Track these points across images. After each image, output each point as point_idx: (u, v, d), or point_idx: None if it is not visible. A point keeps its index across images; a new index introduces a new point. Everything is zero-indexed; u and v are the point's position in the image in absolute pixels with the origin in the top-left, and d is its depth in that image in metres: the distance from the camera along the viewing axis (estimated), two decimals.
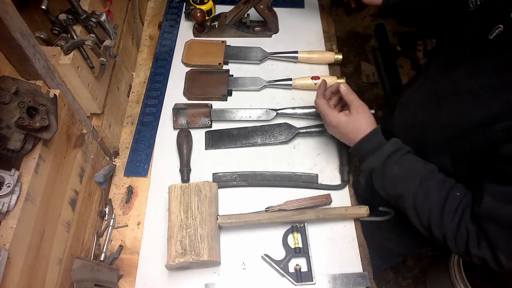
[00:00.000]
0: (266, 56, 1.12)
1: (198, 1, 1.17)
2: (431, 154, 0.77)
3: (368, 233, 0.89)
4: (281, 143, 0.98)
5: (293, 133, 0.98)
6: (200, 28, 1.17)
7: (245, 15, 1.15)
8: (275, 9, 1.17)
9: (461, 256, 0.72)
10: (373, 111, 1.01)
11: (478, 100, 0.66)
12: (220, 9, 1.23)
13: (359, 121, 0.80)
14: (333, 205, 0.89)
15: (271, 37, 1.20)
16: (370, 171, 0.80)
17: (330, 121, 0.83)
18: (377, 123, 0.82)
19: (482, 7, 0.71)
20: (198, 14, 1.09)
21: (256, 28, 1.19)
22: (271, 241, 0.85)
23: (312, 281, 0.79)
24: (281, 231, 0.85)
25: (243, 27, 1.18)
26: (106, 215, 0.87)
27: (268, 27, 1.18)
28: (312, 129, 0.98)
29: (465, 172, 0.73)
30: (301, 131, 0.98)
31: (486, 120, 0.63)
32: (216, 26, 1.17)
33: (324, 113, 0.84)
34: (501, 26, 0.63)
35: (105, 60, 0.77)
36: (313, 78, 1.06)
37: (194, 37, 1.18)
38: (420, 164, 0.76)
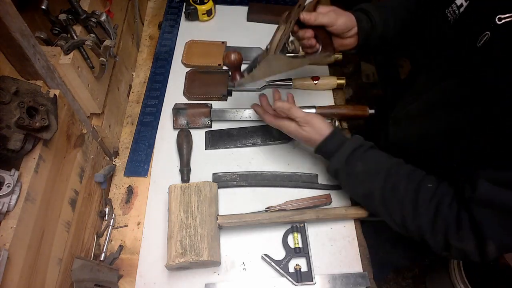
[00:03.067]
0: None
1: (198, 1, 1.17)
2: (439, 159, 0.75)
3: (371, 247, 0.87)
4: (281, 143, 0.98)
5: None
6: (238, 73, 0.86)
7: (290, 37, 0.83)
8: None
9: (439, 251, 0.68)
10: (372, 111, 1.01)
11: (475, 103, 0.64)
12: (220, 9, 1.23)
13: (317, 123, 0.78)
14: (333, 205, 0.89)
15: (330, 57, 1.02)
16: (334, 172, 0.77)
17: (300, 116, 0.78)
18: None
19: (464, 17, 0.69)
20: (232, 56, 0.82)
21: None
22: (271, 241, 0.85)
23: (312, 281, 0.79)
24: (281, 231, 0.85)
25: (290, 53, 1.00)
26: (106, 215, 0.87)
27: (320, 43, 0.80)
28: None
29: (459, 160, 0.70)
30: None
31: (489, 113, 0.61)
32: (259, 63, 0.81)
33: (287, 109, 0.79)
34: (488, 33, 0.62)
35: (105, 60, 0.77)
36: (313, 78, 1.06)
37: (229, 88, 1.06)
38: (384, 158, 0.73)
